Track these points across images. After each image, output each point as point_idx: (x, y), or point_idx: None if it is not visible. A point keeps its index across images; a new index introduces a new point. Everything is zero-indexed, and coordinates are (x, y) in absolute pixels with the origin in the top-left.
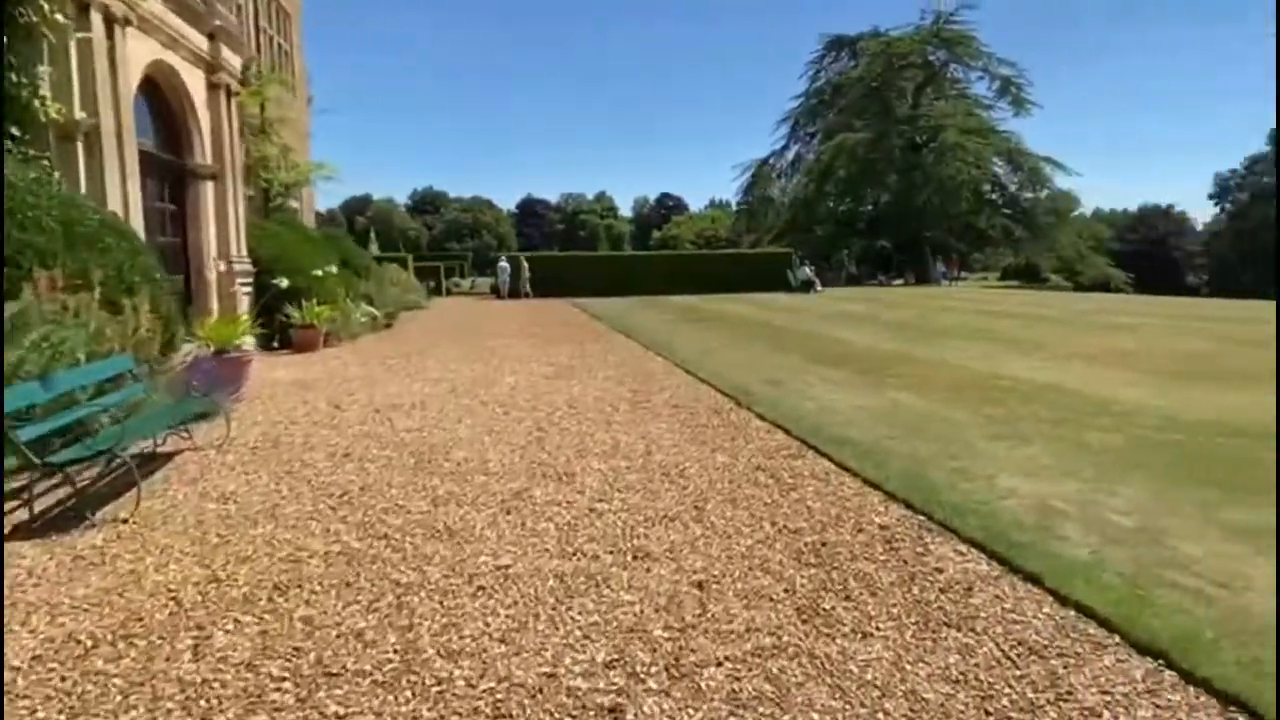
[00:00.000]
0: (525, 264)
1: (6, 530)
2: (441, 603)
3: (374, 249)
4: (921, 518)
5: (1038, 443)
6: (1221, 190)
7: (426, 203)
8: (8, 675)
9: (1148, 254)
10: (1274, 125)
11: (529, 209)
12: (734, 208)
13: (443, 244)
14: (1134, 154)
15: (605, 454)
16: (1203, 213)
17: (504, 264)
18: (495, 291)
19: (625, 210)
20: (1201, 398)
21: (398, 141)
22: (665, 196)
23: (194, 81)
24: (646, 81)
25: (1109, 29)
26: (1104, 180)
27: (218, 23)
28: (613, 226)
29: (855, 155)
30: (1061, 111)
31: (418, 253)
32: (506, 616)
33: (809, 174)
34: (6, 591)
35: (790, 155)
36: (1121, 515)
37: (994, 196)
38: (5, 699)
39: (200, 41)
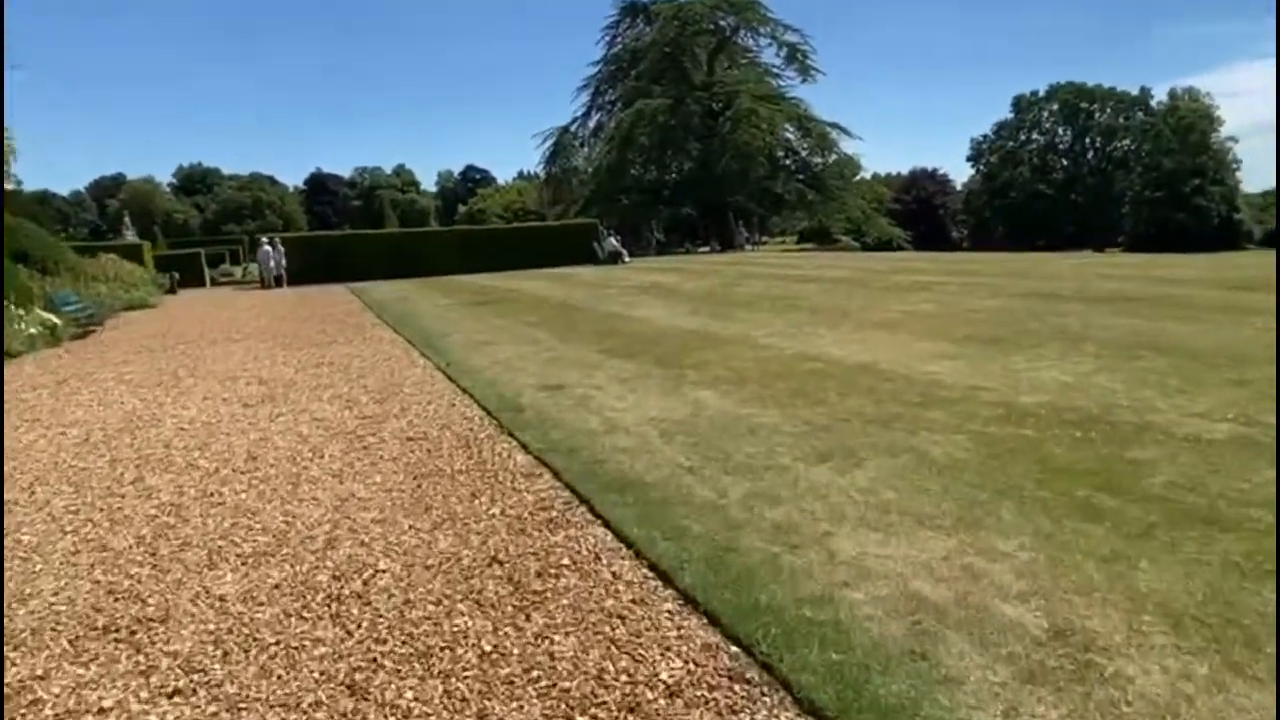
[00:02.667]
0: (277, 246)
1: None
2: None
3: (130, 236)
4: (734, 657)
5: (871, 460)
6: (976, 153)
7: (195, 181)
8: None
9: (919, 213)
10: (1031, 92)
11: (319, 185)
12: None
13: (217, 227)
14: (903, 120)
15: (255, 555)
16: (962, 174)
17: (266, 248)
18: (260, 280)
19: (429, 185)
20: (1023, 370)
21: (155, 115)
22: (471, 169)
23: None
24: (442, 47)
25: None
26: (878, 146)
27: None
28: (416, 201)
29: (655, 122)
30: (840, 78)
31: (185, 238)
32: None
33: (611, 142)
34: None
35: (592, 123)
36: (1022, 605)
37: (788, 162)
38: None
39: None
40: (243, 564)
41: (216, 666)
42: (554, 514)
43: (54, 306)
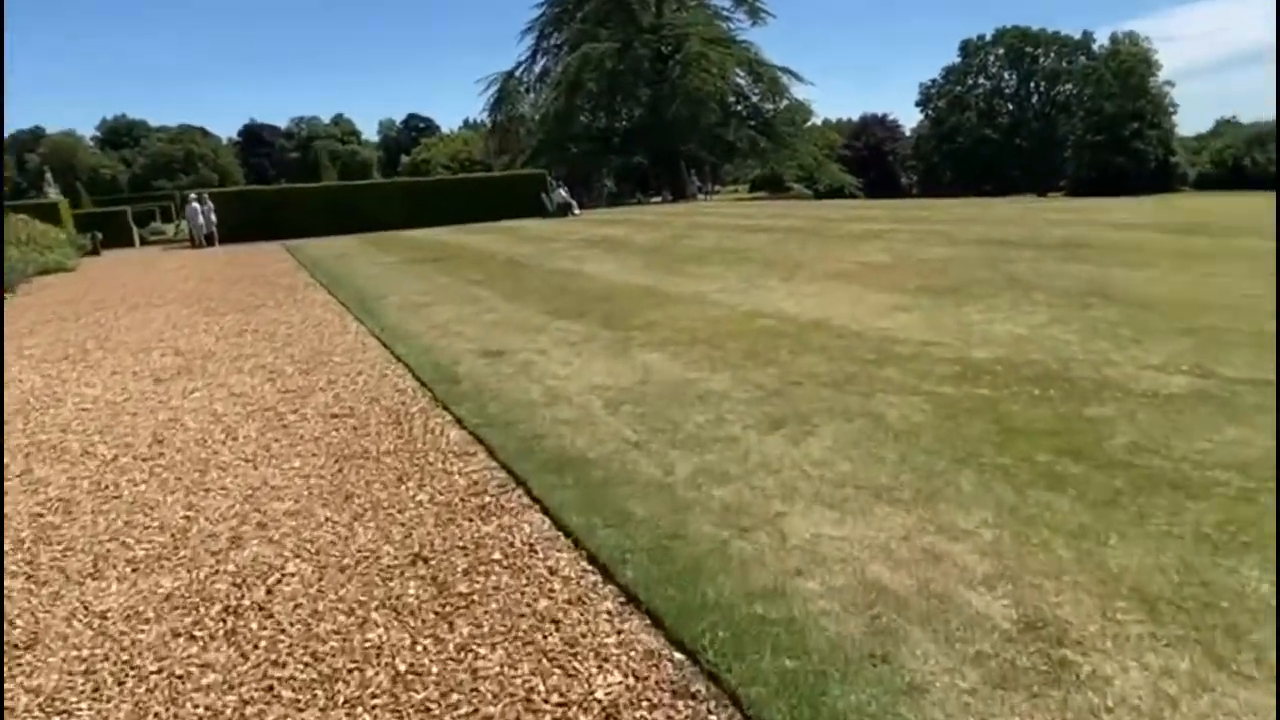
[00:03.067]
0: (206, 203)
1: None
2: None
3: (53, 194)
4: (679, 666)
5: (825, 426)
6: (925, 99)
7: (121, 134)
8: None
9: (869, 159)
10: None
11: (254, 136)
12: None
13: (147, 182)
14: (853, 66)
15: (148, 559)
16: (912, 120)
17: (195, 205)
18: (190, 238)
19: (370, 135)
20: (977, 323)
21: (73, 62)
22: (414, 118)
23: None
24: None
25: None
26: (829, 92)
27: None
28: (357, 153)
29: (603, 67)
30: (788, 22)
31: (113, 195)
32: None
33: (558, 88)
34: None
35: (538, 68)
36: (989, 592)
37: (739, 108)
38: None
39: None
40: (132, 571)
41: (84, 706)
42: (487, 499)
43: None
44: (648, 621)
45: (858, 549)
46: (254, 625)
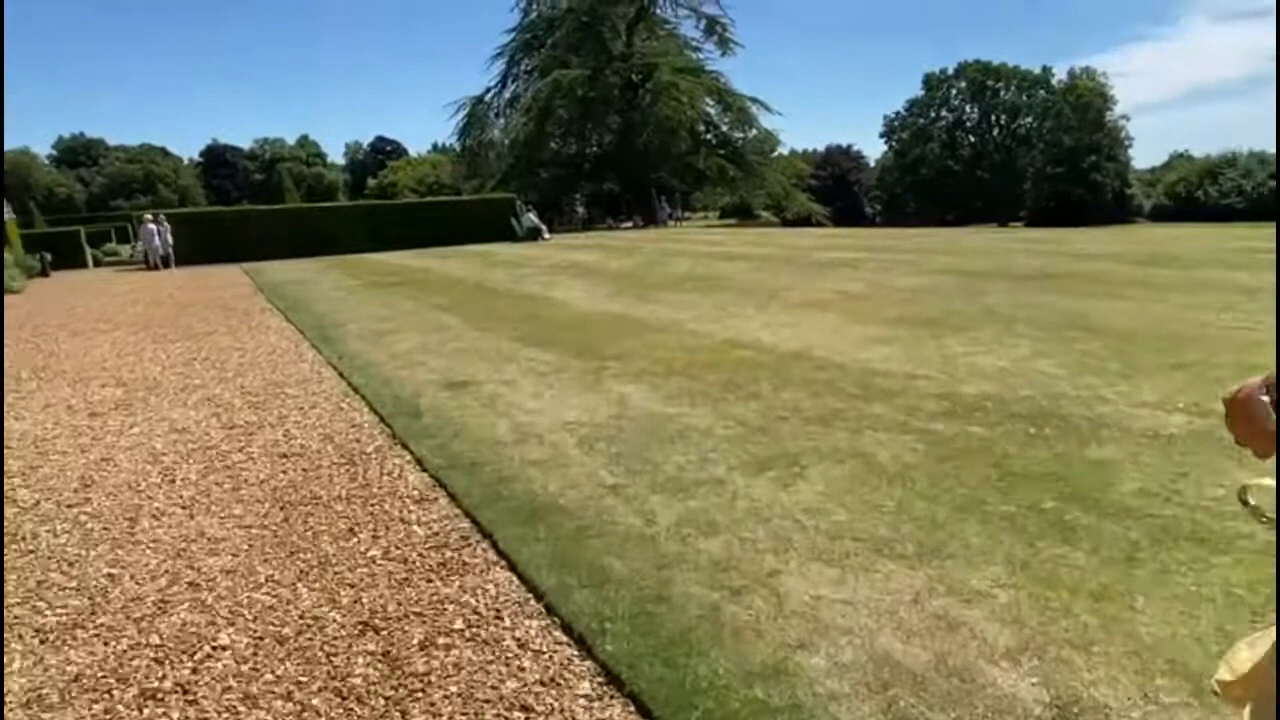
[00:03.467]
0: (162, 223)
1: None
2: None
3: (5, 213)
4: None
5: (815, 468)
6: (889, 130)
7: (78, 153)
8: None
9: (834, 189)
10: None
11: (217, 157)
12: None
13: (105, 202)
14: (817, 97)
15: (60, 629)
16: (875, 151)
17: (151, 226)
18: (145, 260)
19: (336, 157)
20: (960, 355)
21: (28, 78)
22: (381, 140)
23: None
24: (348, 12)
25: None
26: (793, 122)
27: None
28: (323, 175)
29: (574, 94)
30: (755, 53)
31: (68, 214)
32: None
33: (528, 113)
34: None
35: (508, 93)
36: (1014, 668)
37: (709, 137)
38: None
39: None
40: (40, 643)
41: None
42: (448, 554)
43: None
44: (632, 709)
45: (864, 615)
46: (174, 715)
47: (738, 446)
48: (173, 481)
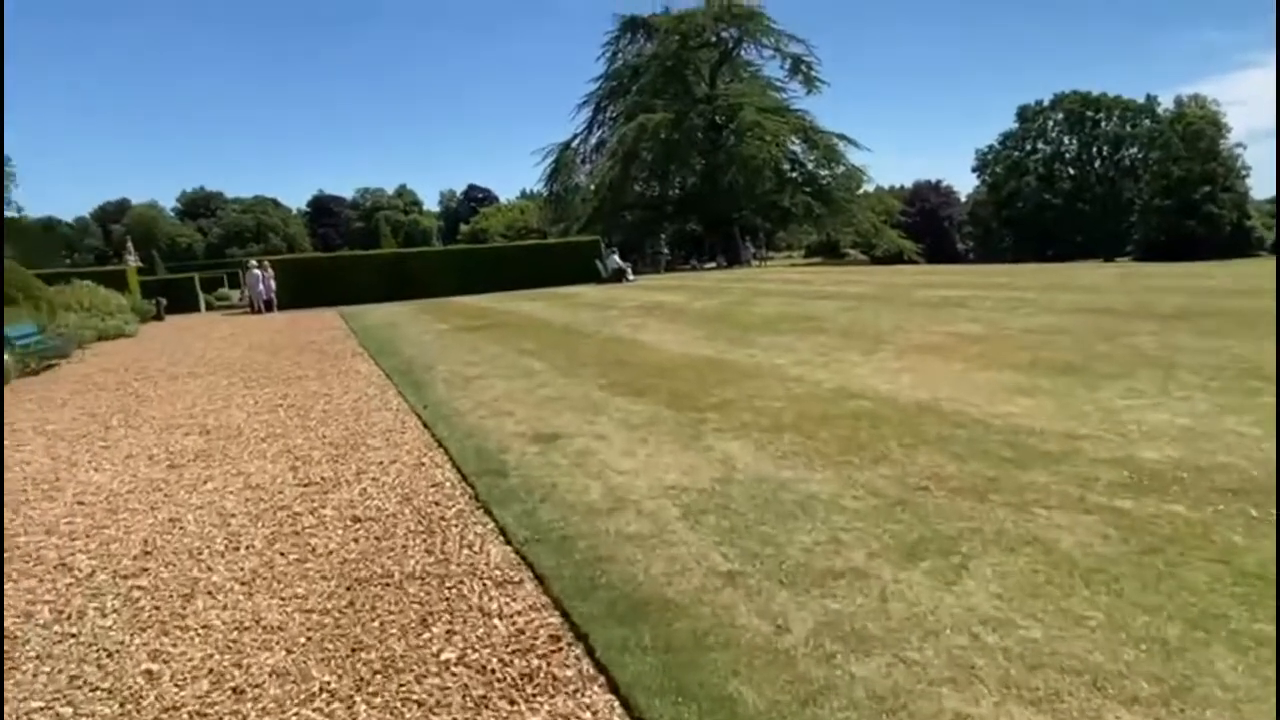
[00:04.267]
0: (266, 269)
1: None
2: None
3: (132, 261)
4: None
5: (981, 558)
6: (981, 164)
7: (199, 205)
8: None
9: (923, 226)
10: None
11: (322, 207)
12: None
13: (222, 250)
14: (907, 131)
15: None
16: (966, 185)
17: (256, 272)
18: (250, 305)
19: (431, 204)
20: (1123, 410)
21: (161, 140)
22: (473, 188)
23: None
24: (443, 68)
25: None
26: (881, 157)
27: None
28: (419, 222)
29: (658, 136)
30: (839, 89)
31: (187, 261)
32: None
33: (613, 157)
34: None
35: (594, 139)
36: None
37: (794, 175)
38: None
39: None
40: None
41: None
42: (534, 661)
43: (6, 341)
44: None
45: None
46: None
47: (875, 524)
48: (237, 549)
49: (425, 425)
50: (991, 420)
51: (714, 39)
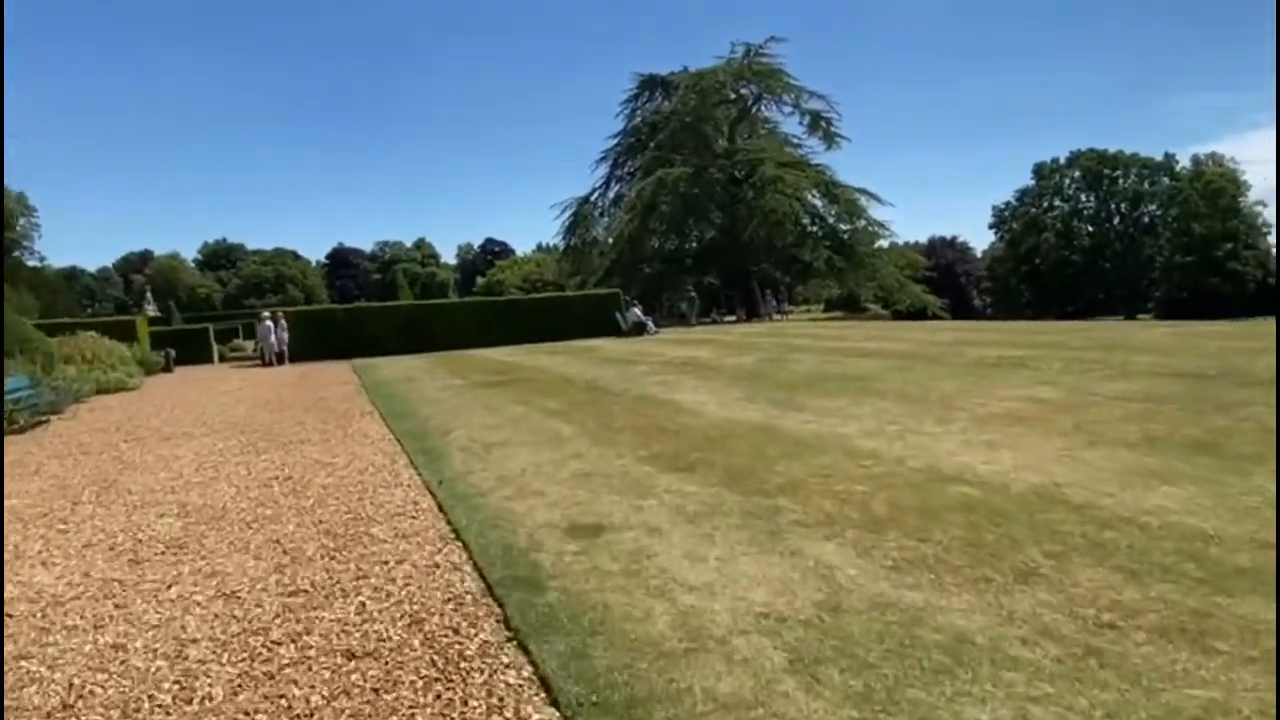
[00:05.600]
0: (279, 321)
1: None
2: None
3: (150, 310)
4: None
5: None
6: (998, 220)
7: (220, 257)
8: None
9: (940, 281)
10: (1075, 152)
11: (341, 259)
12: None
13: (239, 301)
14: (919, 188)
15: None
16: (982, 241)
17: (268, 324)
18: (262, 357)
19: (449, 257)
20: None
21: (183, 194)
22: (490, 241)
23: None
24: (461, 123)
25: (888, 64)
26: (894, 213)
27: None
28: (436, 275)
29: (677, 190)
30: (854, 143)
31: (205, 312)
32: None
33: (632, 210)
34: None
35: (612, 194)
36: None
37: (814, 229)
38: None
39: None
40: None
41: None
42: None
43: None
44: None
45: None
46: None
47: (1070, 691)
48: (189, 700)
49: (440, 508)
50: (1142, 518)
51: (733, 95)
